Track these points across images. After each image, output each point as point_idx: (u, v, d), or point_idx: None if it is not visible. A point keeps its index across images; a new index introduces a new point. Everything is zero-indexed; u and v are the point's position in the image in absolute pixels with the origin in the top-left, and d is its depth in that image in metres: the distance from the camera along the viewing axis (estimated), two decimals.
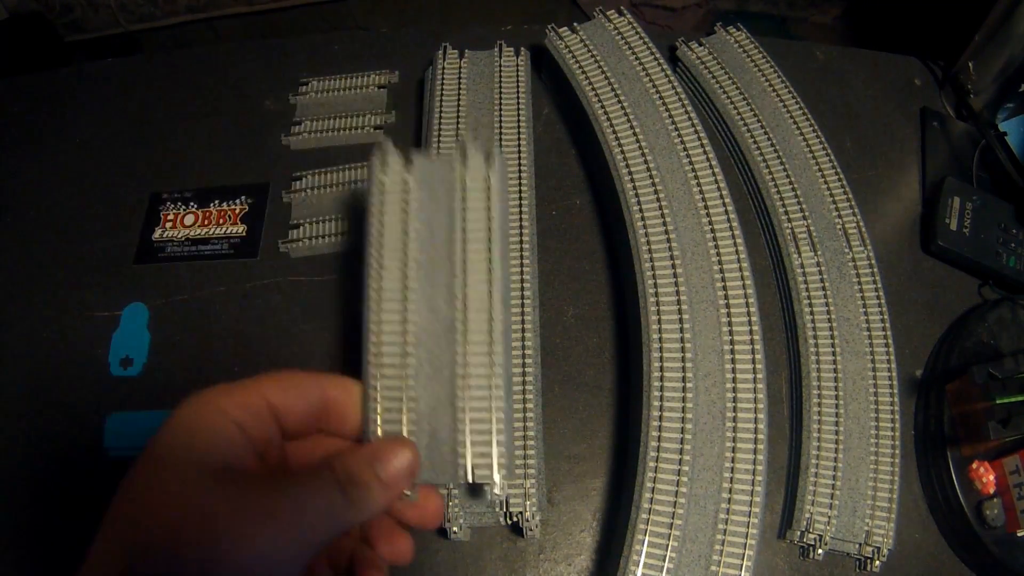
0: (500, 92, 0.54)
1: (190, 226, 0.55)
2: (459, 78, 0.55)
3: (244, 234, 0.55)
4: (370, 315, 0.34)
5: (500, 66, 0.56)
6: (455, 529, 0.41)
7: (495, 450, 0.32)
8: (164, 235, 0.55)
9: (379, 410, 0.32)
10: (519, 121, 0.53)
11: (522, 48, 0.57)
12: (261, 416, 0.27)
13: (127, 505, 0.24)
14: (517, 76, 0.55)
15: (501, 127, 0.53)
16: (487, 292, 0.35)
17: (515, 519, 0.41)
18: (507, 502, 0.41)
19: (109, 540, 0.23)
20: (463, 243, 0.35)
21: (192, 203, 0.56)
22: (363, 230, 0.35)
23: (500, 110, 0.53)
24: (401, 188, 0.36)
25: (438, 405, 0.33)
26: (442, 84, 0.55)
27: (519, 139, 0.52)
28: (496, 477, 0.32)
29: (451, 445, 0.33)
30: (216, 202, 0.56)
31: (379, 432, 0.31)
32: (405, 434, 0.31)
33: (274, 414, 0.27)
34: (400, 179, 0.36)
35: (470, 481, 0.32)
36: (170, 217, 0.56)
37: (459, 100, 0.54)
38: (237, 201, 0.56)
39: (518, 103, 0.54)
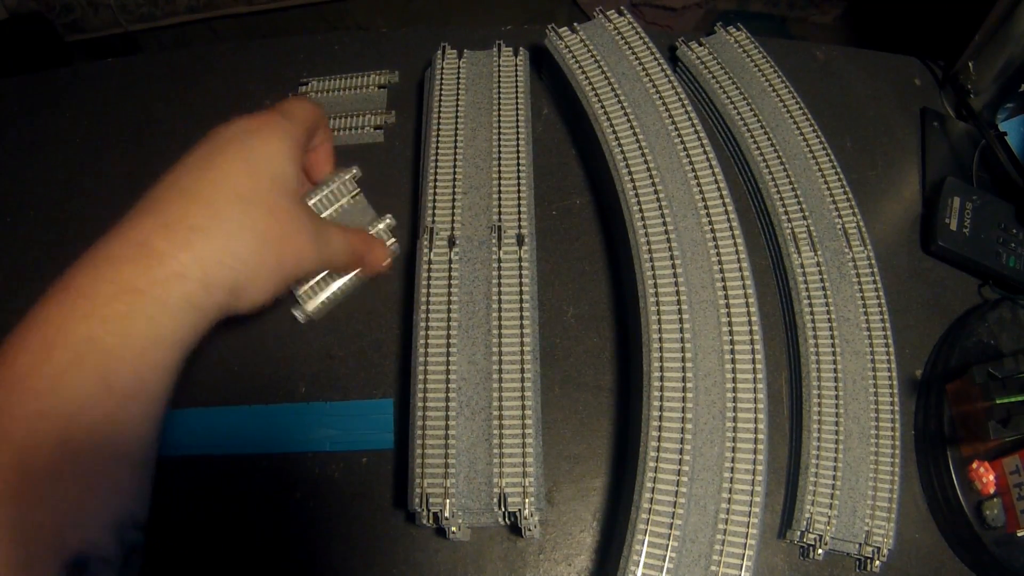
0: (499, 92, 0.54)
1: None
2: (458, 78, 0.55)
3: None
4: (418, 368, 0.44)
5: (499, 66, 0.56)
6: (455, 529, 0.41)
7: (525, 480, 0.41)
8: None
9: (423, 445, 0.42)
10: (518, 121, 0.53)
11: (521, 48, 0.57)
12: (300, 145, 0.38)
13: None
14: (516, 76, 0.55)
15: (500, 127, 0.53)
16: (519, 347, 0.44)
17: (512, 519, 0.41)
18: (506, 501, 0.41)
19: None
20: (499, 310, 0.45)
21: None
22: (414, 303, 0.46)
23: (499, 110, 0.53)
24: (447, 265, 0.47)
25: (476, 441, 0.42)
26: (441, 84, 0.54)
27: (517, 139, 0.52)
28: (526, 503, 0.40)
29: (487, 476, 0.41)
30: None
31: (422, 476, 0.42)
32: (446, 466, 0.42)
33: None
34: (447, 258, 0.47)
35: (504, 508, 0.40)
36: None
37: (458, 100, 0.54)
38: None
39: (516, 103, 0.54)
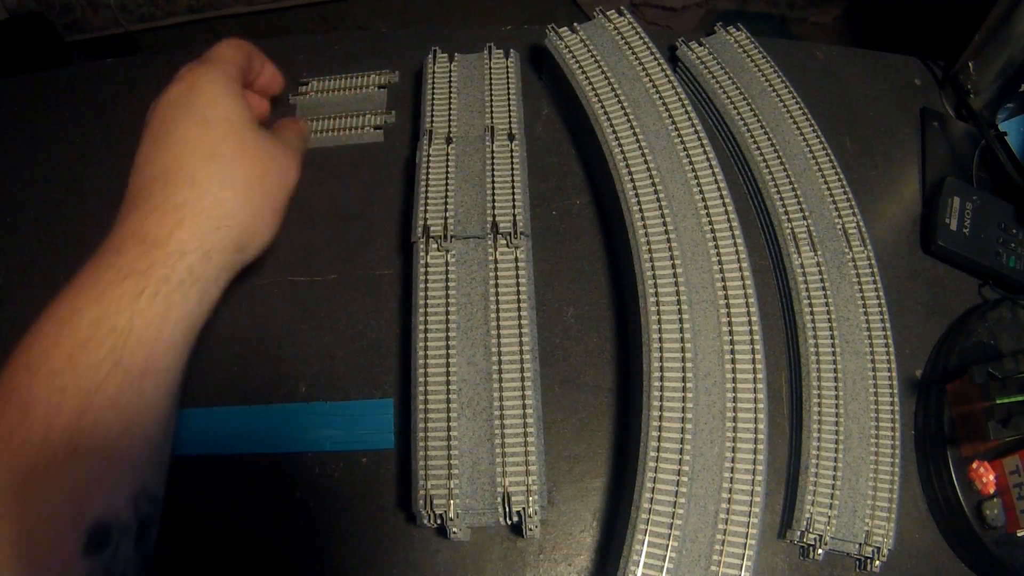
0: (491, 94, 0.54)
1: None
2: (449, 81, 0.55)
3: None
4: (418, 370, 0.44)
5: (490, 68, 0.56)
6: (455, 529, 0.41)
7: (528, 479, 0.41)
8: None
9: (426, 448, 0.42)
10: (510, 122, 0.53)
11: (511, 50, 0.57)
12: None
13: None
14: (508, 78, 0.55)
15: (492, 129, 0.52)
16: (518, 347, 0.44)
17: (515, 519, 0.41)
18: (509, 501, 0.41)
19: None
20: (497, 310, 0.45)
21: None
22: (411, 302, 0.46)
23: (491, 112, 0.53)
24: (443, 267, 0.47)
25: (479, 442, 0.42)
26: (433, 88, 0.55)
27: (511, 141, 0.52)
28: (530, 501, 0.41)
29: (490, 476, 0.41)
30: None
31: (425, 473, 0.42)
32: (449, 467, 0.42)
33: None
34: (443, 260, 0.47)
35: (508, 508, 0.41)
36: None
37: (450, 104, 0.54)
38: None
39: (509, 105, 0.54)
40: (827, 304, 0.49)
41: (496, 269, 0.47)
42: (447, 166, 0.51)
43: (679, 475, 0.41)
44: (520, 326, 0.45)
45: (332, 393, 0.50)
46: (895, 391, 0.47)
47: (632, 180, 0.50)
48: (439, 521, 0.41)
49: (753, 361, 0.45)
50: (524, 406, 0.43)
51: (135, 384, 0.29)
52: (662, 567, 0.40)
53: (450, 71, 0.56)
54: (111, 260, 0.31)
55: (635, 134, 0.51)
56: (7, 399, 0.28)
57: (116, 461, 0.29)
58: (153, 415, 0.30)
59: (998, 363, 0.45)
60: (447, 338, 0.45)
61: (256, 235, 0.36)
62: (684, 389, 0.43)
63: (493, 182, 0.50)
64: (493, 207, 0.49)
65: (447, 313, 0.46)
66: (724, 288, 0.47)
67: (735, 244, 0.48)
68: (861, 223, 0.51)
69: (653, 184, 0.49)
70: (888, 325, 0.48)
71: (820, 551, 0.43)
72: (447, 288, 0.46)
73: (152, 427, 0.30)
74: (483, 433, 0.43)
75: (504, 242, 0.48)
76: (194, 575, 0.46)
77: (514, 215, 0.48)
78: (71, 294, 0.30)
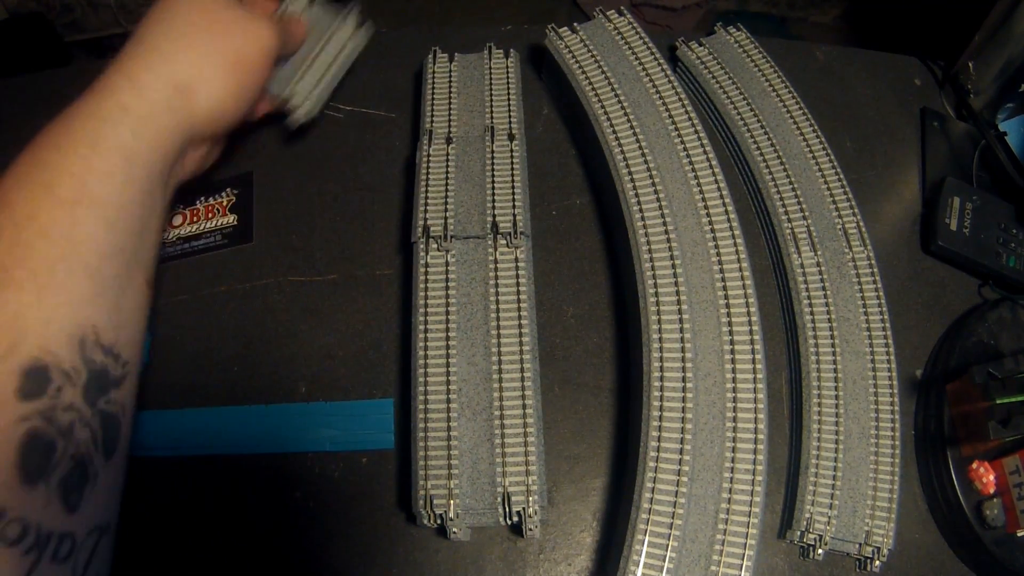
0: (491, 94, 0.54)
1: (179, 226, 0.55)
2: (449, 81, 0.55)
3: (236, 223, 0.55)
4: (418, 370, 0.44)
5: (490, 68, 0.56)
6: (455, 529, 0.41)
7: (528, 479, 0.41)
8: None
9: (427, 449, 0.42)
10: (511, 122, 0.53)
11: (511, 50, 0.57)
12: None
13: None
14: (508, 78, 0.55)
15: (492, 129, 0.52)
16: (518, 347, 0.44)
17: (515, 519, 0.41)
18: (510, 500, 0.41)
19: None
20: (497, 310, 0.45)
21: (178, 205, 0.56)
22: (411, 302, 0.46)
23: (491, 112, 0.53)
24: (444, 267, 0.46)
25: (479, 442, 0.42)
26: (433, 88, 0.55)
27: (511, 141, 0.52)
28: (530, 501, 0.41)
29: (490, 476, 0.41)
30: (202, 199, 0.56)
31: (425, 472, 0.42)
32: (449, 467, 0.42)
33: None
34: (443, 260, 0.47)
35: (508, 508, 0.40)
36: None
37: (450, 104, 0.54)
38: (223, 194, 0.56)
39: (509, 105, 0.54)
40: (827, 304, 0.49)
41: (496, 269, 0.47)
42: (447, 166, 0.51)
43: (679, 475, 0.41)
44: (520, 326, 0.45)
45: (332, 393, 0.50)
46: (895, 391, 0.47)
47: (632, 180, 0.50)
48: (439, 521, 0.41)
49: (753, 361, 0.45)
50: (524, 406, 0.43)
51: (68, 213, 0.29)
52: (662, 567, 0.40)
53: (450, 71, 0.56)
54: (58, 120, 0.33)
55: (635, 134, 0.51)
56: None
57: (52, 295, 0.27)
58: (93, 248, 0.29)
59: (998, 363, 0.45)
60: (447, 338, 0.45)
61: (203, 81, 0.36)
62: (684, 389, 0.43)
63: (493, 182, 0.50)
64: (493, 207, 0.49)
65: (447, 313, 0.46)
66: (724, 288, 0.47)
67: (735, 244, 0.48)
68: (861, 223, 0.51)
69: (653, 184, 0.49)
70: (888, 325, 0.49)
71: (820, 551, 0.43)
72: (447, 288, 0.46)
73: (94, 260, 0.29)
74: (483, 433, 0.43)
75: (504, 242, 0.48)
76: (194, 575, 0.45)
77: (514, 215, 0.48)
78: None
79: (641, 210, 0.48)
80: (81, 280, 0.29)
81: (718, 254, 0.48)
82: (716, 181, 0.50)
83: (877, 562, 0.44)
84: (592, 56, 0.54)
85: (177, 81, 0.35)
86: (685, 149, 0.51)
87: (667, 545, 0.40)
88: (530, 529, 0.41)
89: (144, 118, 0.33)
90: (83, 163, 0.31)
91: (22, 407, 0.25)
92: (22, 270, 0.27)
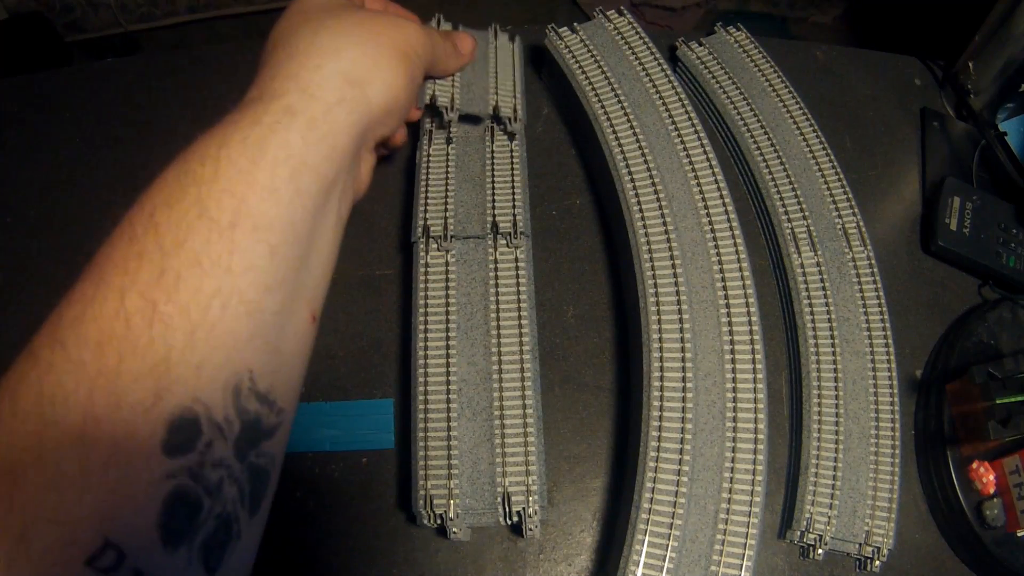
0: (496, 84, 0.54)
1: None
2: (451, 82, 0.55)
3: None
4: (418, 371, 0.44)
5: (496, 48, 0.55)
6: (455, 529, 0.41)
7: (528, 479, 0.41)
8: None
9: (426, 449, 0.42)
10: (515, 108, 0.52)
11: (516, 36, 0.56)
12: None
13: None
14: (513, 65, 0.55)
15: (493, 130, 0.52)
16: (518, 347, 0.44)
17: (515, 519, 0.41)
18: (510, 500, 0.41)
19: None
20: (497, 310, 0.45)
21: None
22: (411, 302, 0.46)
23: (496, 94, 0.53)
24: (444, 267, 0.47)
25: (479, 442, 0.42)
26: (433, 88, 0.54)
27: (511, 140, 0.52)
28: (530, 501, 0.41)
29: (490, 476, 0.42)
30: None
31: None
32: (449, 467, 0.42)
33: None
34: (443, 260, 0.46)
35: (508, 508, 0.41)
36: None
37: (453, 92, 0.53)
38: None
39: (515, 91, 0.53)
40: (827, 304, 0.49)
41: (496, 269, 0.47)
42: (447, 166, 0.51)
43: (679, 475, 0.41)
44: (520, 326, 0.45)
45: (332, 393, 0.50)
46: (895, 391, 0.47)
47: (632, 180, 0.50)
48: (439, 521, 0.41)
49: (753, 361, 0.45)
50: (524, 406, 0.43)
51: (224, 236, 0.24)
52: (662, 567, 0.40)
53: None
54: (234, 115, 0.28)
55: (635, 134, 0.51)
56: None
57: (202, 333, 0.23)
58: (252, 277, 0.25)
59: (998, 363, 0.45)
60: (447, 338, 0.45)
61: (376, 69, 0.32)
62: (684, 389, 0.43)
63: (493, 182, 0.50)
64: (493, 207, 0.49)
65: (447, 313, 0.46)
66: (724, 288, 0.47)
67: (735, 244, 0.48)
68: (861, 223, 0.51)
69: (653, 184, 0.49)
70: (888, 325, 0.49)
71: (820, 551, 0.43)
72: (447, 288, 0.46)
73: (253, 293, 0.25)
74: (483, 433, 0.43)
75: (504, 242, 0.48)
76: None
77: (514, 215, 0.48)
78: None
79: (641, 210, 0.48)
80: (238, 318, 0.24)
81: (718, 254, 0.48)
82: (716, 181, 0.50)
83: (877, 562, 0.44)
84: (592, 56, 0.54)
85: (348, 74, 0.31)
86: (685, 149, 0.51)
87: (667, 545, 0.40)
88: (530, 529, 0.41)
89: (315, 119, 0.29)
90: (242, 178, 0.26)
91: (168, 463, 0.22)
92: (171, 305, 0.23)
